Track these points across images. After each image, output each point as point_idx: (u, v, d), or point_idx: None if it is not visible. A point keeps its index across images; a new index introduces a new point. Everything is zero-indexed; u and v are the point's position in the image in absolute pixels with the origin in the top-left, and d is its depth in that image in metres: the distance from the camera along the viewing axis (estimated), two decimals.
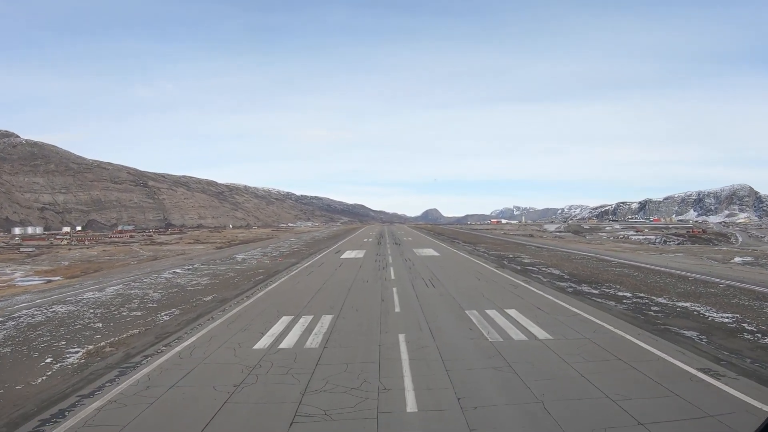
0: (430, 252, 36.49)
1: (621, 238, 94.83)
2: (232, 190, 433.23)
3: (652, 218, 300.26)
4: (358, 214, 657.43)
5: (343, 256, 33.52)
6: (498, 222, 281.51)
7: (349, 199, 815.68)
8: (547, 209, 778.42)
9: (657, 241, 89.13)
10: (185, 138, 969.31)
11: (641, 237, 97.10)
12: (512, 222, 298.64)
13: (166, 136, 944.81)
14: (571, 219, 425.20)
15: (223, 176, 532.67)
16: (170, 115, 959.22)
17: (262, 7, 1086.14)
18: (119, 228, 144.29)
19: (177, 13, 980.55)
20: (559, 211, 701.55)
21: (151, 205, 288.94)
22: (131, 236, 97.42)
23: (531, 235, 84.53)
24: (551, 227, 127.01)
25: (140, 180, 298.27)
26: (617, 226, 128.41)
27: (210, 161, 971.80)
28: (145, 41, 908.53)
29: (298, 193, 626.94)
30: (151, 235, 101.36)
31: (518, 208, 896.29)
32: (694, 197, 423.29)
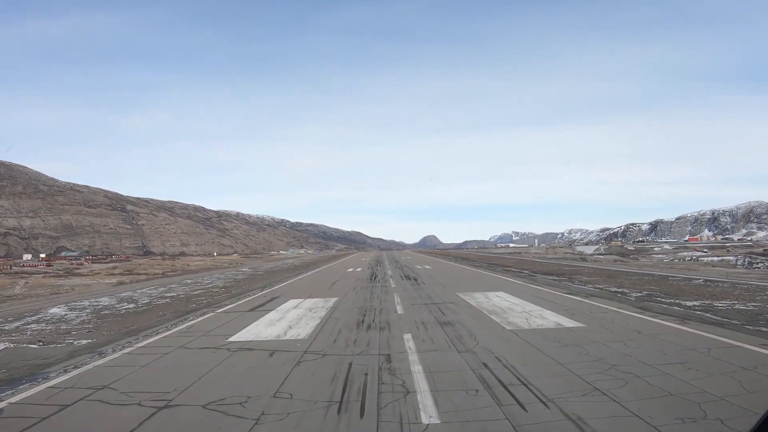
0: (536, 310, 12.88)
1: (691, 260, 71.54)
2: (221, 216, 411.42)
3: (686, 237, 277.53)
4: (355, 242, 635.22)
5: (243, 336, 10.17)
6: (507, 246, 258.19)
7: (346, 227, 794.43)
8: (547, 234, 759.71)
9: (739, 263, 66.38)
10: (179, 168, 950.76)
11: (715, 258, 73.93)
12: (522, 245, 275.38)
13: (159, 167, 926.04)
14: (578, 242, 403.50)
15: (217, 206, 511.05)
16: (162, 145, 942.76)
17: (251, 37, 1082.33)
18: (62, 254, 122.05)
19: (167, 43, 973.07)
20: (559, 236, 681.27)
21: (129, 230, 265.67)
22: (49, 264, 74.42)
23: (583, 259, 62.30)
24: (589, 249, 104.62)
25: (117, 204, 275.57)
26: (667, 247, 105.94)
27: (204, 191, 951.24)
28: (136, 71, 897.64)
29: (293, 220, 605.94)
30: (82, 263, 78.30)
31: (517, 234, 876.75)
32: (708, 216, 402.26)
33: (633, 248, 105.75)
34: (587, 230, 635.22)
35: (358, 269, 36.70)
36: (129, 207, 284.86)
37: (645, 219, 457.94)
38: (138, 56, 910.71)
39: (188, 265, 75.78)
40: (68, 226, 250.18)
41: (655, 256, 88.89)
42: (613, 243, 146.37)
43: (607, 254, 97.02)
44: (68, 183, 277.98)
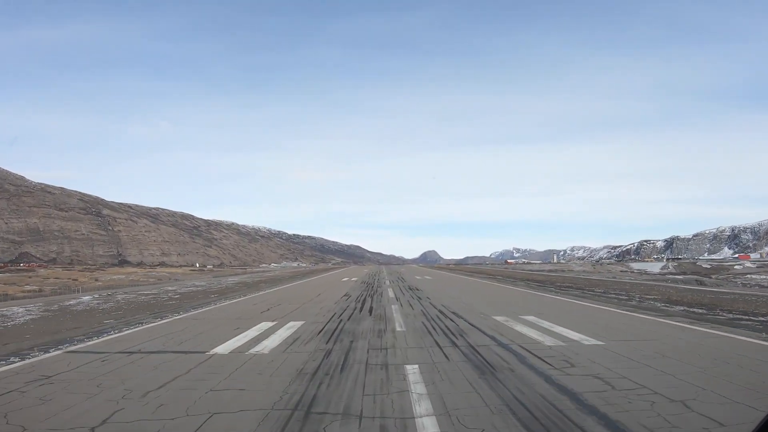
0: None
1: None
2: (211, 225, 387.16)
3: (736, 254, 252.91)
4: (353, 255, 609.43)
5: None
6: (528, 262, 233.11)
7: (345, 240, 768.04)
8: (549, 250, 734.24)
9: None
10: (177, 177, 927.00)
11: None
12: (535, 262, 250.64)
13: (157, 175, 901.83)
14: (586, 260, 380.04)
15: (215, 216, 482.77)
16: (161, 154, 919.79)
17: (255, 47, 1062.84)
18: None
19: (169, 52, 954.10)
20: (562, 253, 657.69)
21: (103, 237, 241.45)
22: None
23: (701, 283, 38.76)
24: (652, 267, 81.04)
25: (92, 208, 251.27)
26: (749, 265, 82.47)
27: (203, 201, 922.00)
28: (137, 79, 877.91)
29: (290, 232, 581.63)
30: None
31: (518, 250, 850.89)
32: (727, 233, 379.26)
33: (708, 266, 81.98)
34: (590, 247, 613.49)
35: (269, 342, 9.76)
36: (105, 211, 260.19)
37: (650, 237, 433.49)
38: (139, 64, 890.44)
39: (96, 281, 52.25)
40: (34, 231, 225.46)
41: (752, 276, 65.02)
42: (681, 261, 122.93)
43: (680, 274, 73.07)
44: (39, 184, 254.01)
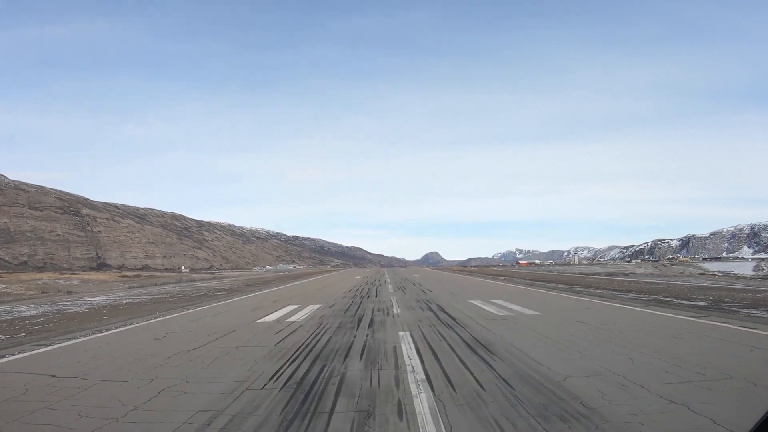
0: None
1: None
2: (203, 226, 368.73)
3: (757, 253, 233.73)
4: (354, 257, 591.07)
5: None
6: (529, 264, 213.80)
7: (346, 242, 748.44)
8: (553, 251, 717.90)
9: None
10: (174, 178, 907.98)
11: None
12: (547, 261, 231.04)
13: (153, 177, 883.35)
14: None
15: (213, 218, 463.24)
16: (157, 155, 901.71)
17: (254, 46, 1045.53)
18: None
19: (166, 51, 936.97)
20: (566, 253, 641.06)
21: (81, 238, 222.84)
22: None
23: None
24: (743, 268, 62.76)
25: (70, 207, 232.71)
26: None
27: (201, 202, 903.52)
28: (133, 78, 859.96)
29: (289, 233, 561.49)
30: None
31: (521, 251, 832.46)
32: (746, 231, 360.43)
33: None
34: (595, 248, 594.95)
35: None
36: (85, 211, 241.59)
37: (663, 236, 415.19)
38: (135, 63, 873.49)
39: None
40: (4, 231, 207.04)
41: None
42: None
43: None
44: (13, 181, 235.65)
